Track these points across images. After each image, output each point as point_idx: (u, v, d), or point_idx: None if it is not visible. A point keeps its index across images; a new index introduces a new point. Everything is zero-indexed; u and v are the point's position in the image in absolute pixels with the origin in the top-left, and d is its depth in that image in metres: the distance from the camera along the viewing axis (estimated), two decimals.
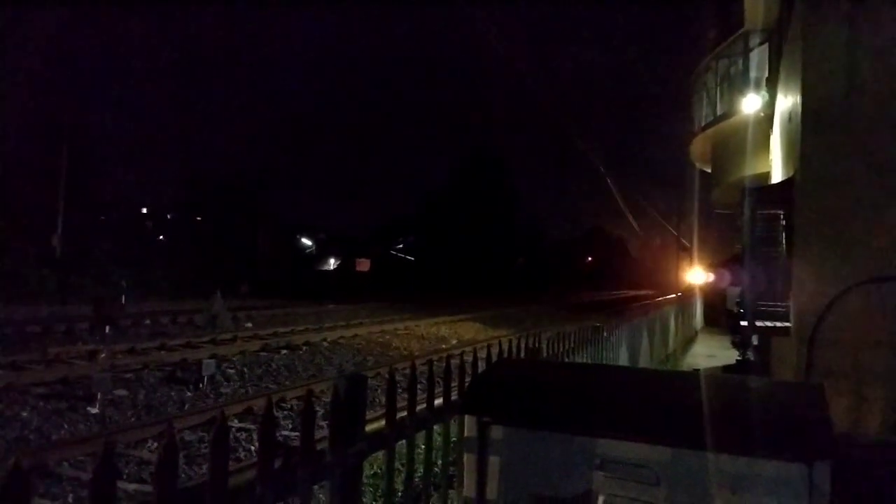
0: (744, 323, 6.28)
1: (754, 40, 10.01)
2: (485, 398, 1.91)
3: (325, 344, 14.86)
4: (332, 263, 60.42)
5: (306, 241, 61.58)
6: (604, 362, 5.49)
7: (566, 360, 4.33)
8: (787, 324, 5.46)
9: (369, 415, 2.02)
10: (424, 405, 2.33)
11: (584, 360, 4.82)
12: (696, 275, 21.59)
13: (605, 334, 5.69)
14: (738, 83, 10.30)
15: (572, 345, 4.55)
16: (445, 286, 43.78)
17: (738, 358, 11.98)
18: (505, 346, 3.32)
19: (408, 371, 2.46)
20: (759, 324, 6.04)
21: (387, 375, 2.12)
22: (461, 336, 18.59)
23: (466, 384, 2.40)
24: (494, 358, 2.84)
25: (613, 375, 2.38)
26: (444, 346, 15.68)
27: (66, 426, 7.35)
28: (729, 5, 11.43)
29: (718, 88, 11.32)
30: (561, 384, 1.99)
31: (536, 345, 3.78)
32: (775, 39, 8.67)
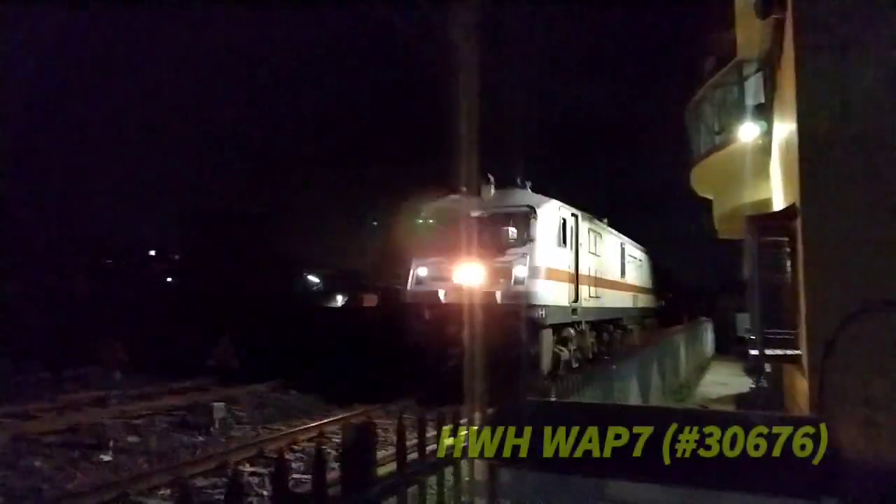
0: (754, 351, 6.25)
1: (748, 69, 10.15)
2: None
3: None
4: (339, 300, 60.31)
5: (313, 279, 61.58)
6: (615, 395, 5.48)
7: (575, 394, 4.34)
8: (797, 351, 5.44)
9: (382, 452, 2.04)
10: (435, 445, 2.34)
11: (594, 395, 4.81)
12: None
13: (614, 367, 5.69)
14: (734, 111, 10.42)
15: (581, 380, 4.55)
16: None
17: (752, 386, 11.87)
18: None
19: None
20: (769, 352, 6.02)
21: (396, 418, 2.14)
22: None
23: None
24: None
25: (622, 415, 2.40)
26: None
27: (78, 475, 7.33)
28: (722, 35, 11.64)
29: (715, 117, 11.45)
30: (569, 425, 2.01)
31: (544, 382, 3.79)
32: (768, 68, 8.81)
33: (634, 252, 20.91)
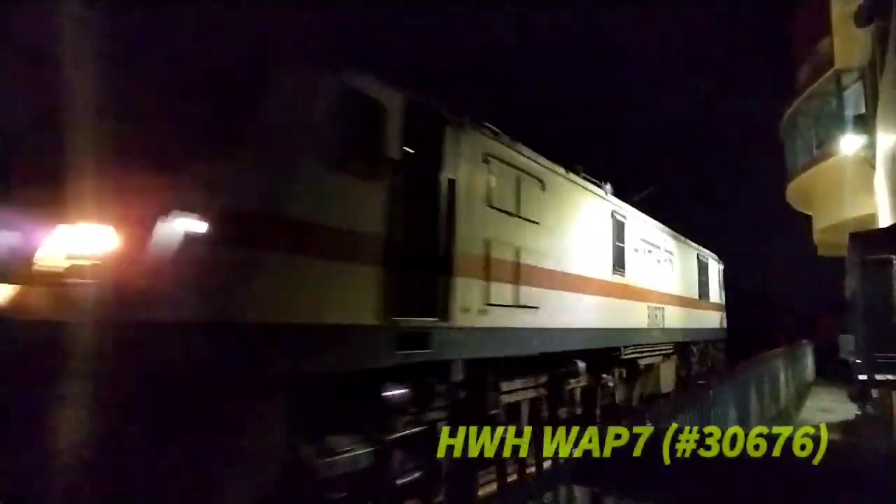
0: (861, 376, 5.92)
1: (848, 78, 9.69)
2: (594, 468, 1.96)
3: None
4: None
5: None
6: (711, 423, 5.31)
7: (670, 421, 4.24)
8: None
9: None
10: (533, 468, 2.37)
11: (689, 422, 4.69)
12: None
13: (710, 393, 5.52)
14: (833, 124, 9.95)
15: (674, 406, 4.46)
16: None
17: (857, 413, 11.15)
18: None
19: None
20: (878, 377, 5.70)
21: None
22: None
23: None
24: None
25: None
26: None
27: None
28: (813, 46, 11.18)
29: (813, 130, 10.95)
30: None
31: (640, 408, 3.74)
32: (870, 77, 8.41)
33: (655, 237, 11.98)
